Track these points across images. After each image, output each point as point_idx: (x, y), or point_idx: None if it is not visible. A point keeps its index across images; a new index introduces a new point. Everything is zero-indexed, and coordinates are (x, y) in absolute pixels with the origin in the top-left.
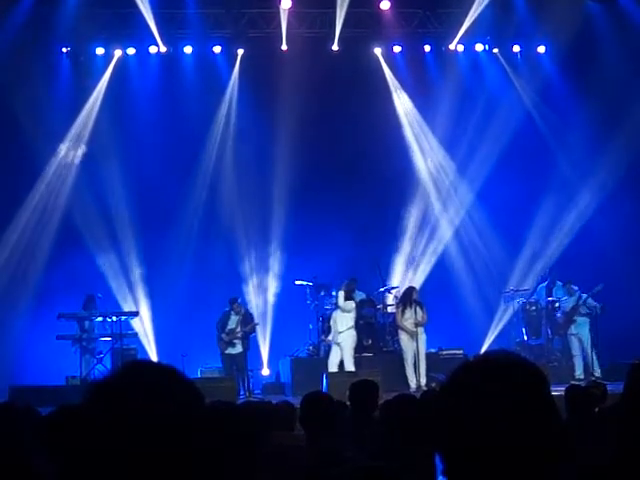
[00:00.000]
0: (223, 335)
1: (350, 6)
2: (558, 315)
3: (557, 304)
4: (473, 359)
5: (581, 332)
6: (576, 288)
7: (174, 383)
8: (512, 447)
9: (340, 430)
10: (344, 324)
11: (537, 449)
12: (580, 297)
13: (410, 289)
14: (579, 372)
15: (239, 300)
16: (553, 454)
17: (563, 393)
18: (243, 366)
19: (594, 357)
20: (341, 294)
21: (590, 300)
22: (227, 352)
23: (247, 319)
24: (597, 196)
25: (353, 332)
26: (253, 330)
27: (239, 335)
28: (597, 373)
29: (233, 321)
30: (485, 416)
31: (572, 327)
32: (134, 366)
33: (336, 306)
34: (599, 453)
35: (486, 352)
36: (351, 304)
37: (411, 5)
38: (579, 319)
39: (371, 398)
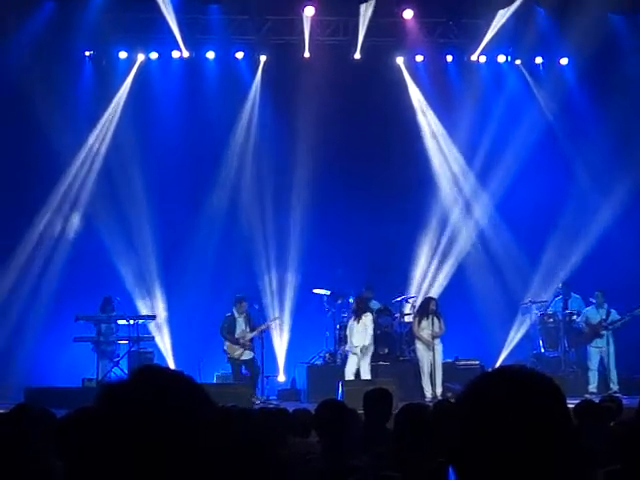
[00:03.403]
0: (240, 339)
1: (373, 15)
2: (582, 326)
3: (577, 316)
4: (491, 371)
5: (606, 346)
6: (601, 301)
7: (184, 389)
8: (525, 460)
9: (354, 438)
10: (361, 334)
11: (552, 463)
12: (610, 312)
13: (428, 300)
14: (593, 386)
15: (245, 300)
16: (567, 467)
17: (575, 406)
18: (256, 371)
19: (614, 372)
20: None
21: (624, 318)
22: (241, 358)
23: (250, 321)
24: (616, 209)
25: (371, 341)
26: (261, 332)
27: (250, 337)
28: (615, 388)
29: (241, 323)
30: (501, 428)
31: (597, 340)
32: (145, 371)
33: (352, 314)
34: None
35: (503, 366)
36: (369, 320)
37: (434, 15)
38: (606, 333)
39: (385, 406)
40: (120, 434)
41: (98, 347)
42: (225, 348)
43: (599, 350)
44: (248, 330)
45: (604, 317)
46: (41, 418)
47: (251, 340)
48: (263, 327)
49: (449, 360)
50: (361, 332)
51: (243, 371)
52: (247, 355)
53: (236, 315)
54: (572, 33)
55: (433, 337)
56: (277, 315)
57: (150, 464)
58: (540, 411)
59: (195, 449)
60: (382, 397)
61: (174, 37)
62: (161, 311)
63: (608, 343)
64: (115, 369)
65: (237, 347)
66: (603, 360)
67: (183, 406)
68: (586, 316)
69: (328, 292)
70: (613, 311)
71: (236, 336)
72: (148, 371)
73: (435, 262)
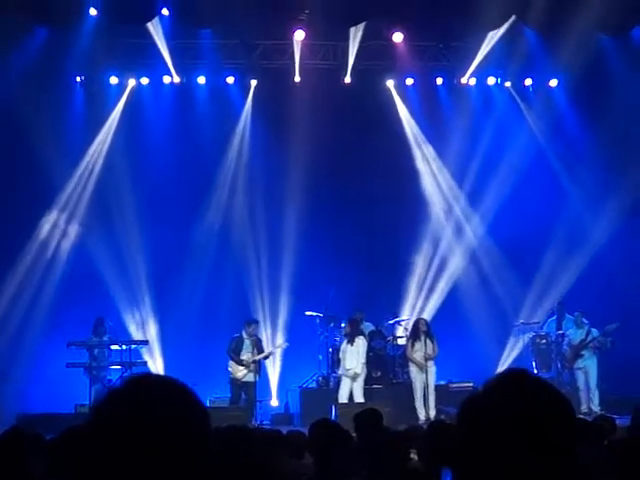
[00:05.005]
0: (244, 360)
1: (363, 38)
2: (565, 348)
3: (566, 337)
4: (497, 376)
5: (588, 366)
6: (586, 322)
7: (177, 395)
8: (527, 468)
9: (347, 458)
10: (354, 356)
11: (551, 474)
12: (590, 331)
13: (417, 321)
14: (584, 407)
15: (257, 323)
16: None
17: None
18: (253, 396)
19: (596, 393)
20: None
21: (600, 337)
22: (243, 380)
23: (258, 345)
24: (608, 230)
25: (364, 364)
26: (266, 357)
27: (255, 360)
28: (596, 409)
29: (248, 345)
30: (508, 435)
31: (579, 361)
32: (138, 378)
33: (345, 337)
34: None
35: (509, 370)
36: (362, 342)
37: (424, 38)
38: (587, 353)
39: (375, 427)
40: (114, 439)
41: (90, 372)
42: (229, 368)
43: (582, 370)
44: (255, 353)
45: (584, 337)
46: (34, 441)
47: (256, 363)
48: (269, 352)
49: (442, 382)
50: (354, 355)
51: (243, 396)
52: (249, 377)
53: (245, 336)
54: (561, 54)
55: (426, 359)
56: (283, 341)
57: (145, 469)
58: (553, 417)
59: (191, 455)
60: (373, 418)
61: (165, 62)
62: (154, 336)
63: (590, 363)
64: None
65: (240, 368)
66: (588, 380)
67: (176, 412)
68: (568, 338)
69: (321, 314)
70: (593, 330)
71: (241, 357)
72: (141, 378)
73: (427, 284)
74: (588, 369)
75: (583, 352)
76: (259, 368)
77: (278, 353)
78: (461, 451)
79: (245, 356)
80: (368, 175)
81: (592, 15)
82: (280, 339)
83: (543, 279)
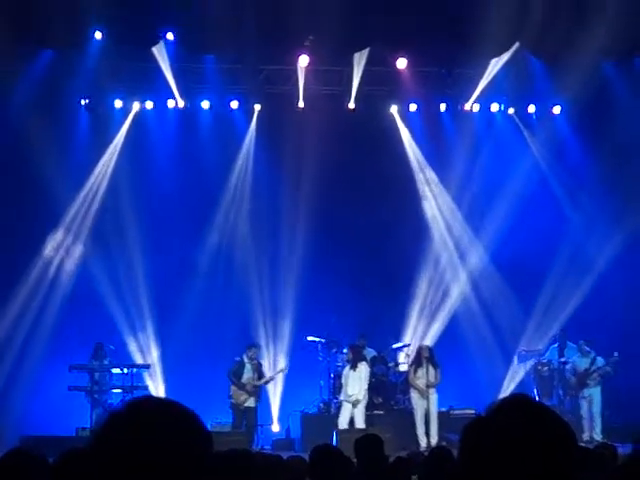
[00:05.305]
0: (245, 385)
1: (367, 64)
2: (568, 376)
3: (569, 365)
4: (502, 400)
5: (592, 395)
6: (589, 349)
7: (176, 416)
8: None
9: None
10: (357, 382)
11: None
12: (595, 359)
13: (420, 347)
14: (586, 434)
15: (257, 347)
16: None
17: None
18: (254, 422)
19: (599, 421)
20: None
21: (605, 366)
22: (244, 404)
23: (259, 369)
24: (610, 257)
25: (366, 390)
26: (267, 382)
27: (257, 385)
28: (598, 437)
29: (249, 370)
30: (514, 458)
31: (584, 390)
32: (139, 400)
33: (347, 363)
34: None
35: (513, 395)
36: (364, 368)
37: (427, 64)
38: (591, 382)
39: (376, 452)
40: (115, 462)
41: (92, 396)
42: (231, 393)
43: (586, 399)
44: (256, 377)
45: (588, 366)
46: (38, 462)
47: (257, 388)
48: (270, 377)
49: (443, 409)
50: (356, 381)
51: (245, 421)
52: (251, 402)
53: (246, 361)
54: (565, 81)
55: (428, 386)
56: (284, 366)
57: None
58: (554, 442)
59: (187, 474)
60: (373, 443)
61: (169, 86)
62: (155, 360)
63: (595, 393)
64: None
65: (242, 392)
66: (592, 408)
67: (178, 435)
68: (573, 365)
69: (322, 340)
70: (599, 358)
71: (243, 381)
72: (143, 401)
73: (429, 309)
74: (592, 397)
75: (588, 381)
76: (259, 393)
77: (279, 378)
78: (462, 476)
79: (246, 380)
80: (371, 200)
81: (595, 42)
82: (281, 364)
83: (545, 306)
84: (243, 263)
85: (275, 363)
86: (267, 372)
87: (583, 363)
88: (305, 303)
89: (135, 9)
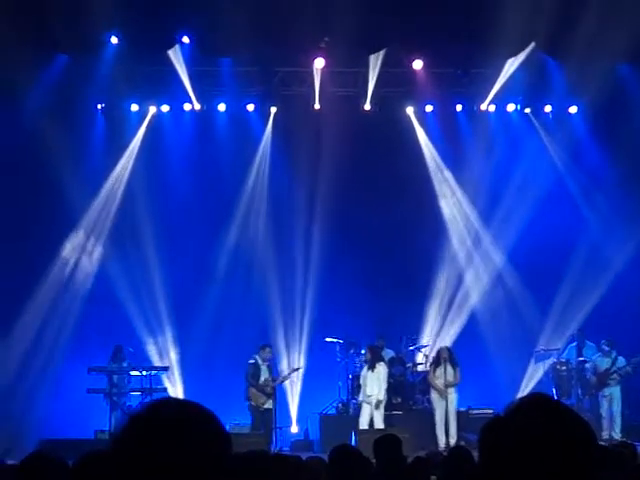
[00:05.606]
0: (265, 388)
1: (383, 65)
2: (589, 375)
3: (588, 364)
4: (522, 399)
5: (613, 394)
6: (609, 349)
7: (196, 418)
8: None
9: None
10: (375, 383)
11: None
12: (616, 359)
13: (440, 349)
14: (605, 433)
15: (270, 347)
16: None
17: None
18: (271, 423)
19: (619, 420)
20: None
21: (627, 366)
22: (264, 406)
23: (272, 370)
24: (627, 257)
25: (384, 390)
26: (282, 381)
27: (273, 385)
28: (617, 437)
29: (264, 371)
30: (534, 457)
31: (605, 389)
32: (159, 401)
33: (366, 364)
34: None
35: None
36: (382, 369)
37: (443, 65)
38: (612, 382)
39: (394, 453)
40: (135, 464)
41: (110, 398)
42: (249, 395)
43: (607, 398)
44: (271, 378)
45: (609, 366)
46: (55, 465)
47: (273, 389)
48: (285, 377)
49: (462, 409)
50: (375, 382)
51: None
52: (269, 404)
53: (260, 362)
54: (581, 81)
55: (446, 386)
56: (299, 366)
57: None
58: (574, 441)
59: (206, 475)
60: (392, 443)
61: (185, 90)
62: (174, 362)
63: (615, 392)
64: None
65: (261, 395)
66: (612, 407)
67: (197, 436)
68: (594, 365)
69: (340, 340)
70: (621, 358)
71: (261, 383)
72: (162, 403)
73: (448, 310)
74: (613, 396)
75: (609, 381)
76: (275, 394)
77: (297, 379)
78: (482, 476)
79: (264, 382)
80: (388, 201)
81: (611, 42)
82: (296, 364)
83: (562, 305)
84: (260, 264)
85: (292, 364)
86: (282, 373)
87: (604, 363)
88: (322, 304)
89: (150, 13)
